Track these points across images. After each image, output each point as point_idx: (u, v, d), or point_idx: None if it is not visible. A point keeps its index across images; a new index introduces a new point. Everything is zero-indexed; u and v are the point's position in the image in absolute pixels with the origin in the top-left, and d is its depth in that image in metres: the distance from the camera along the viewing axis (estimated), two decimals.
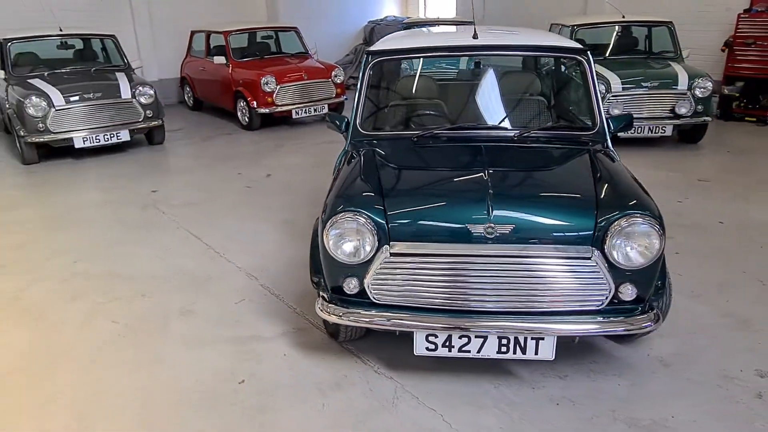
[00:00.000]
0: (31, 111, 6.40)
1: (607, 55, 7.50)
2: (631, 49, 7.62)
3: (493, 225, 2.35)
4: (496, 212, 2.37)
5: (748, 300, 3.34)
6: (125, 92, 6.96)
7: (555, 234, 2.38)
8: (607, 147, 3.09)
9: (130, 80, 7.24)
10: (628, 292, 2.42)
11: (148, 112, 7.13)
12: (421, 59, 3.95)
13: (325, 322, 2.92)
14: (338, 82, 8.64)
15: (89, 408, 2.53)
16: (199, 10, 11.06)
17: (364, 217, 2.43)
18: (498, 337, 2.45)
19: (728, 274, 3.68)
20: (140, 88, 7.07)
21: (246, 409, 2.52)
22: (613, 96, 6.50)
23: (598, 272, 2.37)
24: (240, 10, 11.76)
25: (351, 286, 2.53)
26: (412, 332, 2.49)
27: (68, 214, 5.15)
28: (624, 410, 2.46)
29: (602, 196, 2.48)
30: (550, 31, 8.59)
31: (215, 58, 8.68)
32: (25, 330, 3.21)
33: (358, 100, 3.27)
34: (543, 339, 2.44)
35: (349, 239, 2.45)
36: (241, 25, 9.22)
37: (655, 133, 6.60)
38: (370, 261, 2.46)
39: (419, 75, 3.64)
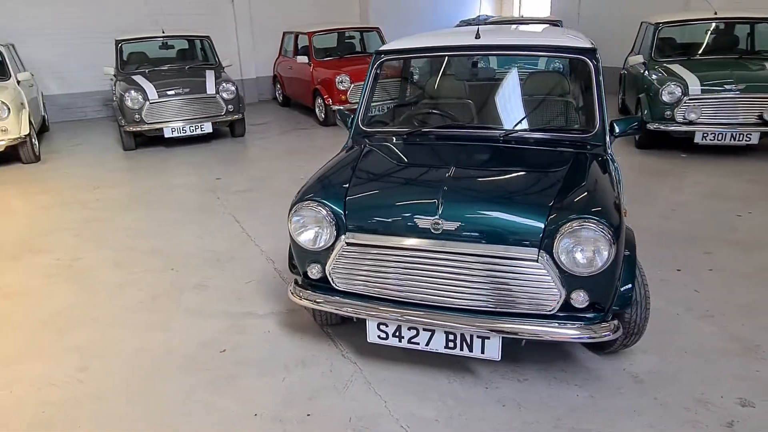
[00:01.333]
0: (129, 103, 7.26)
1: (698, 54, 6.95)
2: (729, 48, 6.98)
3: (439, 221, 2.40)
4: (444, 209, 2.42)
5: None
6: (210, 88, 7.65)
7: (502, 234, 2.37)
8: (605, 152, 2.96)
9: (217, 77, 7.93)
10: (580, 298, 2.36)
11: (229, 106, 7.77)
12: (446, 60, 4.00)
13: None
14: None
15: (91, 362, 2.93)
16: (297, 13, 11.72)
17: (324, 208, 2.58)
18: (445, 333, 2.49)
19: (760, 297, 3.34)
20: (224, 84, 7.73)
21: (216, 375, 2.79)
22: (690, 99, 6.02)
23: (547, 276, 2.33)
24: (336, 11, 12.29)
25: (314, 271, 2.70)
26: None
27: (143, 195, 5.82)
28: (569, 419, 2.39)
29: (561, 199, 2.42)
30: (639, 30, 8.11)
31: (299, 57, 9.22)
32: (69, 289, 3.75)
33: (362, 98, 3.42)
34: (489, 338, 2.45)
35: (310, 227, 2.61)
36: (326, 26, 9.67)
37: (738, 140, 6.01)
38: (330, 249, 2.61)
39: (422, 75, 3.71)
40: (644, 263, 3.71)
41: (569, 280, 2.34)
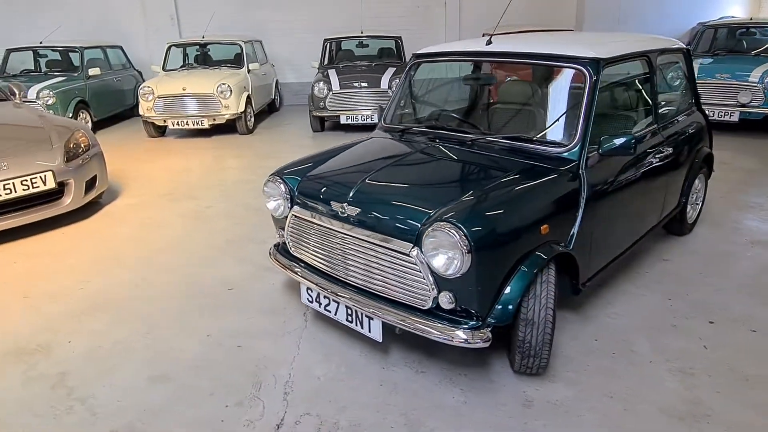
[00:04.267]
0: (316, 92, 8.59)
1: None
2: None
3: (344, 206, 2.71)
4: (352, 196, 2.72)
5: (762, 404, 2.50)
6: (384, 84, 8.52)
7: (389, 225, 2.56)
8: (577, 168, 2.79)
9: (396, 74, 8.76)
10: (446, 300, 2.43)
11: None
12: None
13: None
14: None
15: (155, 276, 3.98)
16: (508, 14, 11.84)
17: (284, 185, 3.09)
18: (345, 306, 2.80)
19: None
20: (396, 80, 8.51)
21: (211, 304, 3.55)
22: None
23: (419, 271, 2.47)
24: (550, 13, 12.02)
25: (278, 236, 3.24)
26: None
27: None
28: (421, 414, 2.49)
29: (450, 203, 2.49)
30: None
31: None
32: (187, 227, 4.95)
33: (392, 97, 3.78)
34: (372, 319, 2.68)
35: (273, 198, 3.15)
36: (516, 27, 9.67)
37: None
38: (286, 218, 3.12)
39: (438, 79, 3.85)
40: (680, 304, 3.29)
41: (438, 280, 2.43)
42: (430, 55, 3.71)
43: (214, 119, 8.70)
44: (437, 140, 3.27)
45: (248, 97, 9.10)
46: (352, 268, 2.75)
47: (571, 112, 2.94)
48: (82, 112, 9.18)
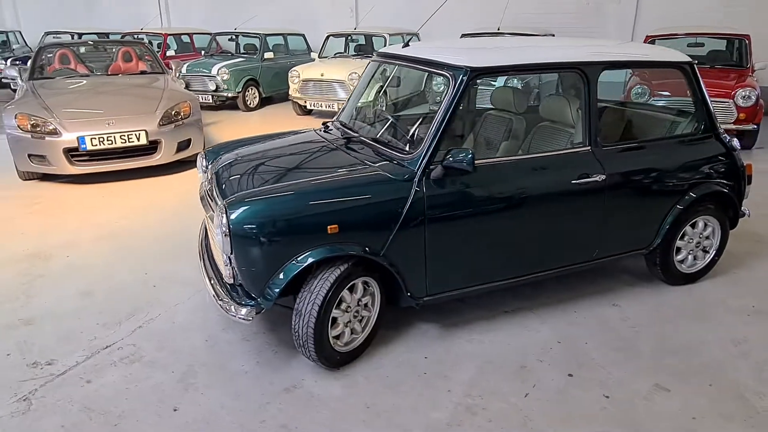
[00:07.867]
0: (433, 85, 8.81)
1: None
2: None
3: (209, 184, 3.14)
4: (213, 174, 3.13)
5: None
6: (498, 80, 8.31)
7: (218, 203, 2.91)
8: (412, 179, 2.74)
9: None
10: (227, 273, 2.71)
11: None
12: None
13: None
14: (743, 105, 6.93)
15: (143, 219, 4.88)
16: (696, 13, 10.28)
17: (204, 160, 3.61)
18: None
19: None
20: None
21: (175, 251, 4.25)
22: None
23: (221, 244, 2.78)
24: (753, 14, 10.04)
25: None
26: None
27: None
28: (202, 370, 2.83)
29: (247, 190, 2.72)
30: None
31: None
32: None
33: (349, 95, 3.99)
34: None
35: (200, 169, 3.69)
36: (683, 29, 8.43)
37: None
38: None
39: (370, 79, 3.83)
40: (562, 351, 3.14)
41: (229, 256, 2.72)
42: (384, 54, 3.81)
43: (343, 104, 9.53)
44: (339, 138, 3.43)
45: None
46: (209, 236, 3.17)
47: (429, 120, 2.86)
48: (251, 88, 10.86)
